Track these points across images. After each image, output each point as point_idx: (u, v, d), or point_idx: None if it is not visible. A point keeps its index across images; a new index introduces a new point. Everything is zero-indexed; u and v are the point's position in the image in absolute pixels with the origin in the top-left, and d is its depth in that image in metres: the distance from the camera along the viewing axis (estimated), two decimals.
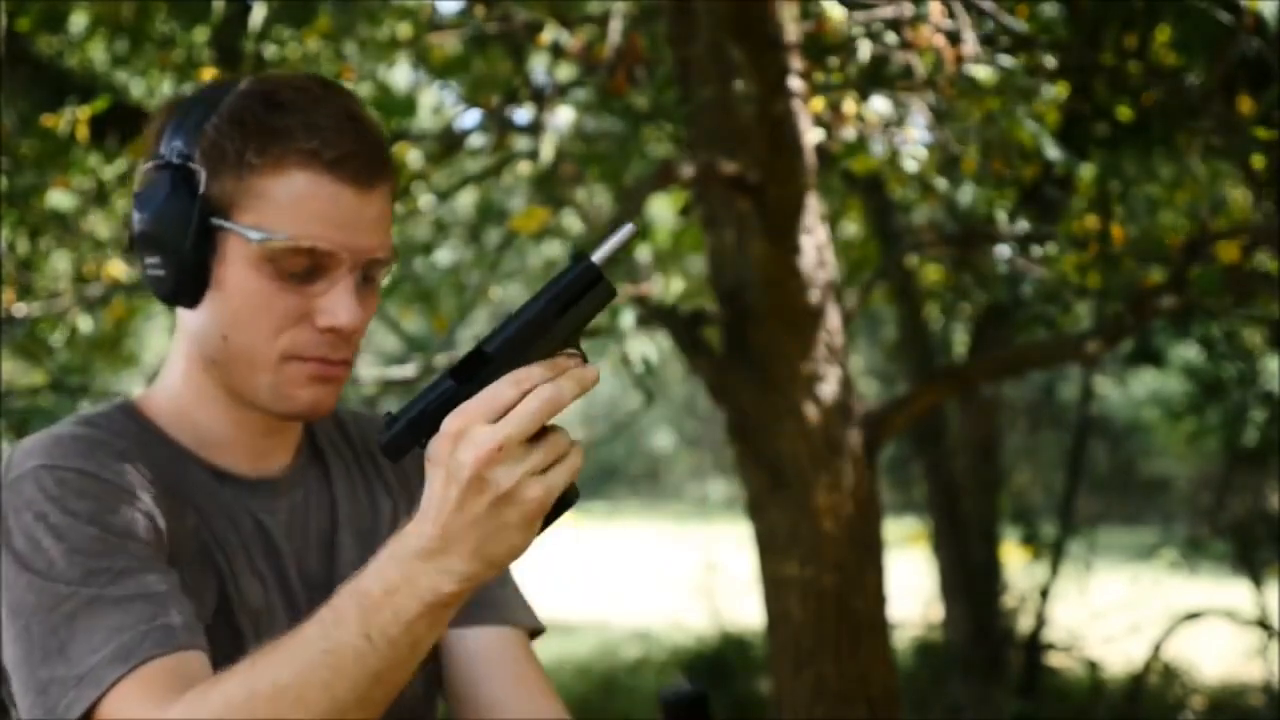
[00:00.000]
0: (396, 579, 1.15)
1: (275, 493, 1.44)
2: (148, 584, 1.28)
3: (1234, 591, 7.92)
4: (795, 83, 3.15)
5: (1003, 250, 3.90)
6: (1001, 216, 3.52)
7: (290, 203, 1.33)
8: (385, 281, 1.44)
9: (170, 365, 1.44)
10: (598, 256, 1.14)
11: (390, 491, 1.53)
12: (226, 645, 1.34)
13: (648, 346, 3.72)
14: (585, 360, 1.16)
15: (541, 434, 1.14)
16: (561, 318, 1.14)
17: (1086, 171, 3.44)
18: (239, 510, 1.41)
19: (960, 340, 7.61)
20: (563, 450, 1.14)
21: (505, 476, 1.11)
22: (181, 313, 1.41)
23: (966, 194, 3.40)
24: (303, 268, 1.34)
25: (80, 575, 1.27)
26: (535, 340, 1.14)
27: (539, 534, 1.15)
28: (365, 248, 1.36)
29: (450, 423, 1.12)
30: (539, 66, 4.71)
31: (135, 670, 1.23)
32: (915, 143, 3.35)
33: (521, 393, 1.12)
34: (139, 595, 1.27)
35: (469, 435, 1.11)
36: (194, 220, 1.34)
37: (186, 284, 1.36)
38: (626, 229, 1.15)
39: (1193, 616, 7.08)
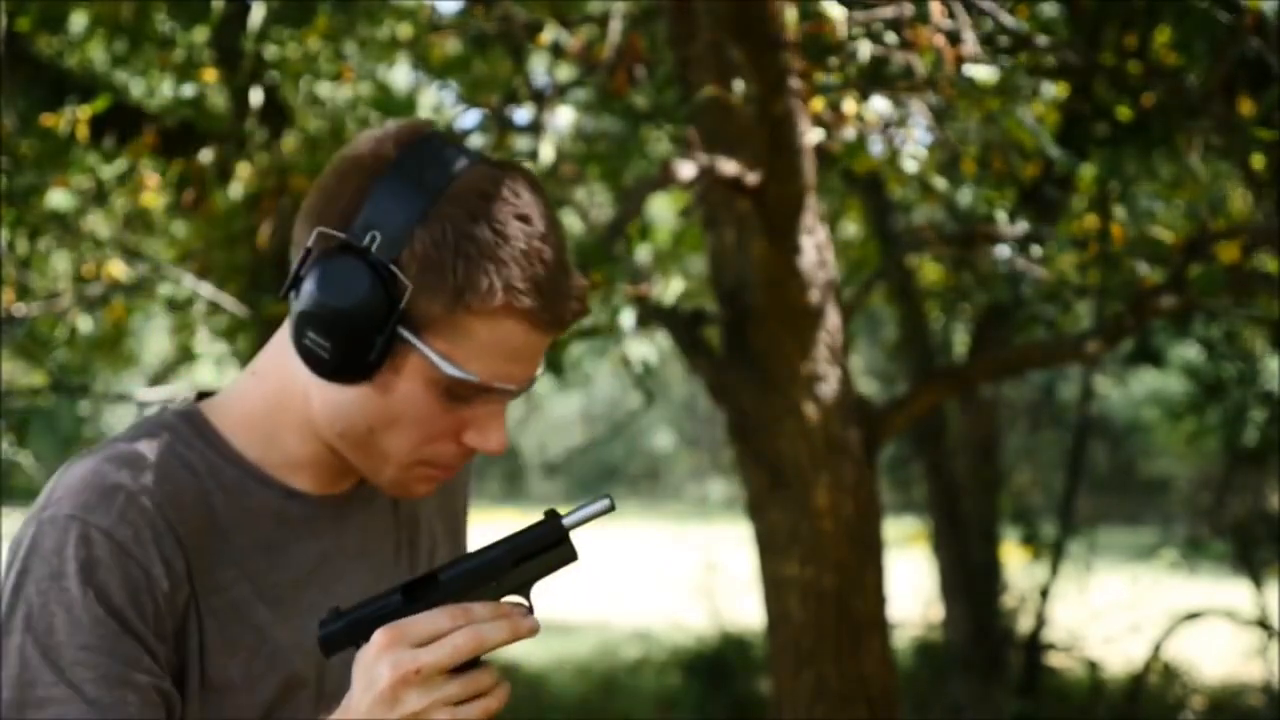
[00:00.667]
0: None
1: (342, 513, 1.40)
2: (124, 701, 1.25)
3: (1234, 591, 7.92)
4: (795, 83, 3.15)
5: (1003, 250, 3.90)
6: (1001, 216, 3.51)
7: (489, 348, 1.27)
8: None
9: (268, 376, 1.37)
10: (568, 521, 1.21)
11: (433, 531, 1.50)
12: (269, 687, 1.33)
13: (648, 347, 3.72)
14: (530, 611, 1.23)
15: (469, 668, 1.20)
16: (518, 567, 1.21)
17: (1086, 171, 3.44)
18: (304, 532, 1.37)
19: (960, 340, 7.61)
20: (484, 688, 1.21)
21: (416, 700, 1.17)
22: (312, 372, 1.32)
23: (966, 194, 3.40)
24: (473, 394, 1.29)
25: (69, 661, 1.24)
26: (488, 581, 1.21)
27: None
28: (530, 377, 1.32)
29: (380, 635, 1.18)
30: (539, 66, 4.71)
31: None
32: (915, 143, 3.35)
33: (455, 626, 1.18)
34: (109, 710, 1.24)
35: (392, 652, 1.18)
36: (387, 333, 1.26)
37: (349, 374, 1.28)
38: (603, 504, 1.21)
39: (1193, 616, 7.09)
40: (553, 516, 1.22)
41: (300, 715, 1.34)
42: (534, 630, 1.22)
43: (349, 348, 1.27)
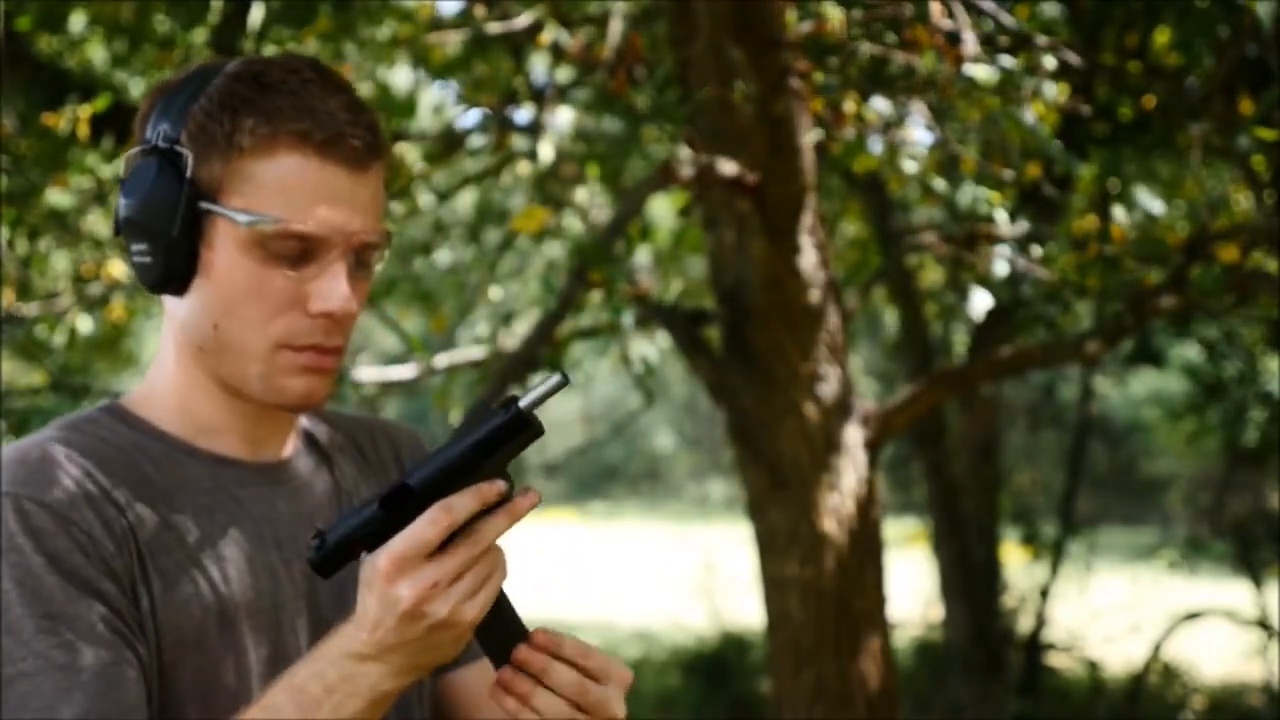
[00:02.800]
0: (334, 678, 1.22)
1: (278, 479, 1.41)
2: (96, 659, 1.24)
3: (1234, 591, 7.92)
4: (795, 83, 3.15)
5: (1003, 250, 3.90)
6: (1002, 216, 3.51)
7: (279, 185, 1.30)
8: (379, 270, 1.42)
9: (160, 357, 1.41)
10: (525, 403, 1.21)
11: None
12: (222, 645, 1.32)
13: (648, 347, 3.72)
14: (511, 486, 1.22)
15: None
16: (487, 460, 1.21)
17: (1086, 171, 3.44)
18: (243, 496, 1.38)
19: (960, 340, 7.61)
20: (490, 569, 1.22)
21: (440, 608, 1.19)
22: (170, 302, 1.38)
23: (966, 194, 3.40)
24: (294, 252, 1.31)
25: (31, 632, 1.23)
26: (458, 479, 1.21)
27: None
28: (357, 230, 1.33)
29: (389, 556, 1.19)
30: (539, 66, 4.71)
31: None
32: (915, 143, 3.35)
33: (451, 522, 1.19)
34: (85, 671, 1.23)
35: (408, 571, 1.19)
36: (181, 205, 1.31)
37: (174, 271, 1.33)
38: (555, 380, 1.21)
39: (1193, 616, 7.09)
40: (509, 403, 1.21)
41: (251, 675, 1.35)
42: (535, 503, 1.23)
43: (159, 240, 1.32)
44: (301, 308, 1.33)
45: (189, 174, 1.31)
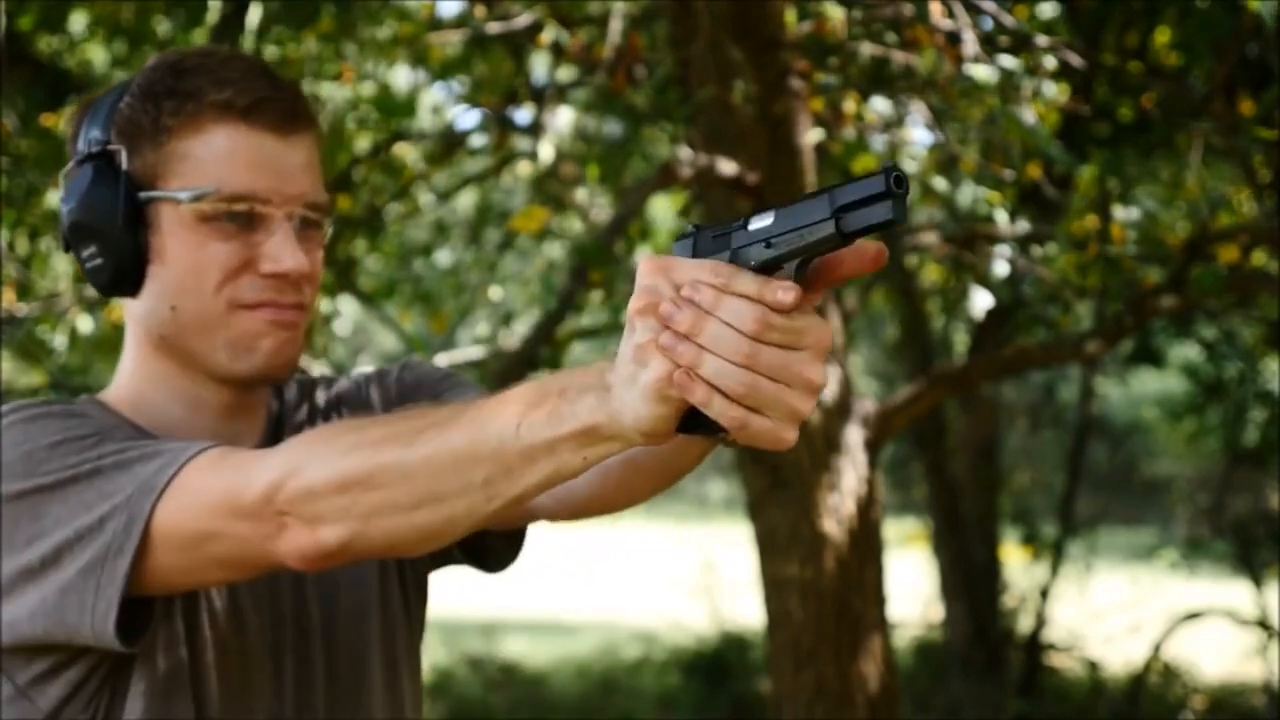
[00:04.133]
0: (574, 391, 1.06)
1: None
2: (162, 445, 1.27)
3: (1234, 591, 7.92)
4: (795, 83, 3.15)
5: (1003, 250, 3.90)
6: (1002, 216, 3.51)
7: (212, 158, 1.33)
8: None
9: (125, 358, 1.43)
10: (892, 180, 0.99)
11: None
12: (180, 645, 1.31)
13: None
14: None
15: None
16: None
17: (1086, 171, 3.45)
18: None
19: (960, 340, 7.61)
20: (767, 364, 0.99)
21: (642, 331, 1.01)
22: (129, 304, 1.39)
23: (966, 194, 3.40)
24: (238, 221, 1.33)
25: (94, 455, 1.25)
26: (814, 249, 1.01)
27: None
28: (295, 193, 1.35)
29: (646, 261, 1.02)
30: (539, 67, 4.71)
31: (208, 451, 1.24)
32: (915, 143, 3.35)
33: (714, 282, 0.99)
34: (161, 449, 1.26)
35: (651, 277, 1.02)
36: (121, 197, 1.33)
37: (126, 267, 1.35)
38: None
39: (1193, 616, 7.09)
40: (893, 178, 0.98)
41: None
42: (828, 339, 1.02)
43: (106, 238, 1.34)
44: (253, 270, 1.35)
45: (124, 167, 1.34)
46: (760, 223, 1.03)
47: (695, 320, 0.98)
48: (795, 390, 0.99)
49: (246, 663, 1.34)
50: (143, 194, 1.34)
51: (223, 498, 1.18)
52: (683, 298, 0.99)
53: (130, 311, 1.40)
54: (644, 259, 1.02)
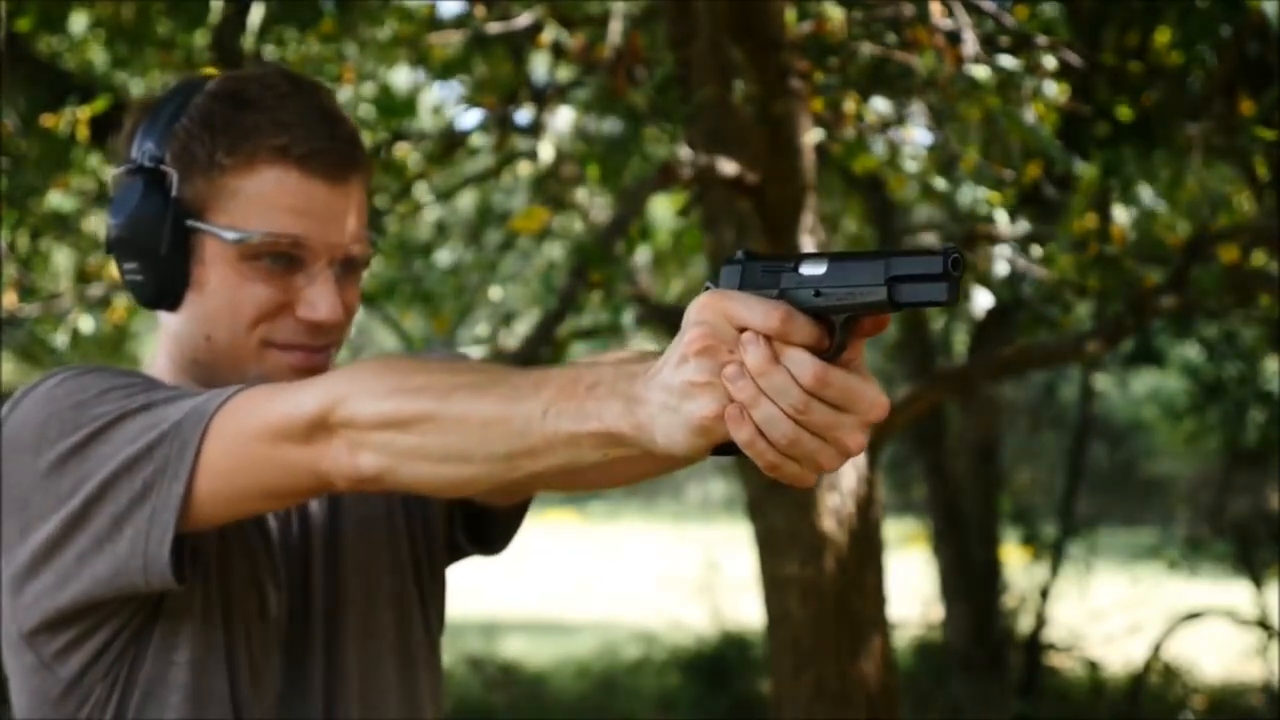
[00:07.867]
0: (604, 390, 1.06)
1: None
2: (205, 390, 1.31)
3: (1234, 591, 7.93)
4: (795, 83, 3.15)
5: (1003, 250, 3.90)
6: (1002, 216, 3.51)
7: (262, 200, 1.34)
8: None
9: (156, 360, 1.44)
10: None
11: None
12: (215, 645, 1.32)
13: (648, 347, 3.72)
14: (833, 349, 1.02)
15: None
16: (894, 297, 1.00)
17: (1086, 171, 3.45)
18: None
19: (960, 340, 7.61)
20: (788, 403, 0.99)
21: (697, 369, 1.00)
22: (164, 316, 1.41)
23: (966, 194, 3.40)
24: (281, 264, 1.35)
25: (143, 397, 1.29)
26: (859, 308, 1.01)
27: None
28: (340, 241, 1.37)
29: (708, 296, 1.01)
30: (539, 67, 4.71)
31: (253, 385, 1.28)
32: (915, 143, 3.35)
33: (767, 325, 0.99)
34: (206, 391, 1.30)
35: (707, 311, 1.00)
36: (168, 223, 1.34)
37: (166, 288, 1.37)
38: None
39: (1193, 616, 7.09)
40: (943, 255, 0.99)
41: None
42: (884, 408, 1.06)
43: (150, 259, 1.35)
44: (290, 313, 1.37)
45: (174, 193, 1.35)
46: (812, 269, 1.03)
47: (763, 366, 0.98)
48: (831, 450, 1.03)
49: (266, 643, 1.36)
50: (190, 223, 1.35)
51: (274, 420, 1.22)
52: (750, 338, 0.98)
53: (165, 326, 1.42)
54: (705, 296, 1.01)
